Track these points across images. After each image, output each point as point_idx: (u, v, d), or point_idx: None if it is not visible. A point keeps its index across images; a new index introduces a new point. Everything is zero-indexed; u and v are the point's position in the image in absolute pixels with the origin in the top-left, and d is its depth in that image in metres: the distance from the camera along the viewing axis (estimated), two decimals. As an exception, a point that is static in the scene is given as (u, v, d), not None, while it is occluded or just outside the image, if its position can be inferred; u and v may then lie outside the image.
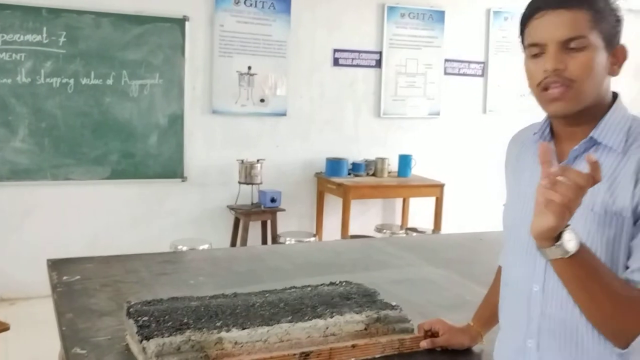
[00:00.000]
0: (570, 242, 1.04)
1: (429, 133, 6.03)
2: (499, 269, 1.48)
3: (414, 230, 5.29)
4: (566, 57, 1.15)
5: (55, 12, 4.60)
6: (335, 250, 2.77)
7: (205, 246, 4.35)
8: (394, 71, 5.82)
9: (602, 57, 1.16)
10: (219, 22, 5.11)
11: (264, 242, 5.24)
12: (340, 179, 5.34)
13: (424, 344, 1.61)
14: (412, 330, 1.65)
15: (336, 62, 5.60)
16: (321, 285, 1.84)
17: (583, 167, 1.17)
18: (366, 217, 5.74)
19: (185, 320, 1.51)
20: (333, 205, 5.58)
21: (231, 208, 5.17)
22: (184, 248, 4.23)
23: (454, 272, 2.38)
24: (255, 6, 5.21)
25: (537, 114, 1.27)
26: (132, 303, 1.63)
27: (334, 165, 5.46)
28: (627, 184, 1.12)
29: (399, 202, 6.00)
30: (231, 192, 5.20)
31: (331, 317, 1.58)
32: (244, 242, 4.96)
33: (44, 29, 4.59)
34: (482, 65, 6.22)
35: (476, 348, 1.64)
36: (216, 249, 4.05)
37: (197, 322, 1.50)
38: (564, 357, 1.19)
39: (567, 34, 1.15)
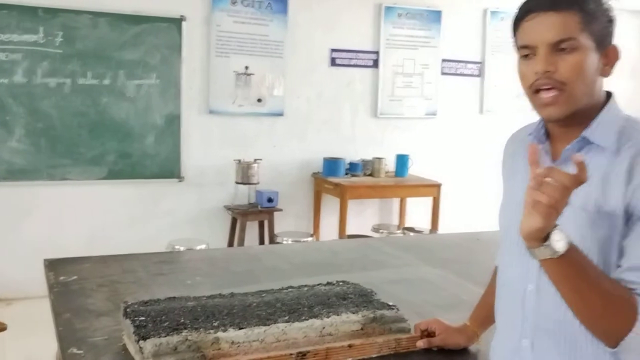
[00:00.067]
0: (558, 242, 1.04)
1: (426, 133, 6.04)
2: (496, 269, 1.48)
3: (411, 230, 5.30)
4: (557, 59, 1.16)
5: (52, 12, 4.59)
6: (332, 250, 2.77)
7: (202, 246, 4.35)
8: (391, 71, 5.82)
9: (593, 59, 1.17)
10: (216, 22, 5.11)
11: (261, 242, 5.24)
12: (337, 179, 5.35)
13: (421, 344, 1.61)
14: (408, 330, 1.65)
15: (333, 62, 5.61)
16: (318, 285, 1.84)
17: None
18: (363, 217, 5.75)
19: (182, 320, 1.51)
20: (330, 205, 5.58)
21: (228, 208, 5.17)
22: (181, 248, 4.23)
23: (451, 271, 2.38)
24: (252, 6, 5.21)
25: (534, 114, 1.27)
26: (129, 303, 1.63)
27: (331, 165, 5.46)
28: (619, 183, 1.13)
29: (396, 202, 6.01)
30: (228, 192, 5.20)
31: (328, 317, 1.58)
32: (241, 242, 4.96)
33: (41, 28, 4.58)
34: (479, 65, 6.23)
35: (472, 348, 1.65)
36: (213, 249, 4.05)
37: (194, 322, 1.50)
38: (559, 356, 1.20)
39: (557, 36, 1.15)
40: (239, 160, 5.09)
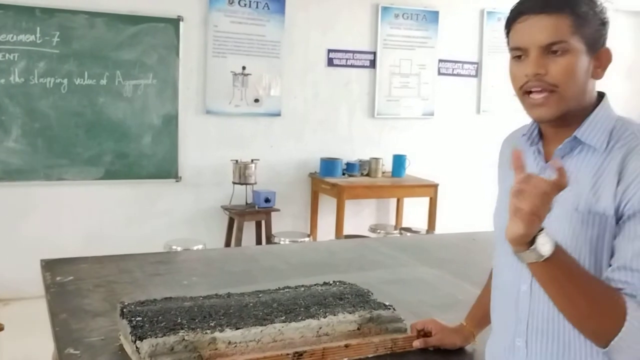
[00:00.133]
0: (544, 245, 1.05)
1: (422, 133, 6.05)
2: (492, 270, 1.49)
3: (408, 230, 5.30)
4: (548, 61, 1.17)
5: (48, 12, 4.59)
6: (329, 251, 2.78)
7: (199, 246, 4.35)
8: (388, 71, 5.83)
9: (584, 61, 1.18)
10: (213, 22, 5.11)
11: (258, 242, 5.24)
12: (334, 179, 5.35)
13: (417, 344, 1.62)
14: (405, 330, 1.66)
15: (330, 62, 5.61)
16: (315, 285, 1.85)
17: (567, 166, 1.19)
18: (360, 217, 5.75)
19: (179, 321, 1.51)
20: (327, 206, 5.58)
21: (225, 208, 5.17)
22: (178, 248, 4.23)
23: (447, 272, 2.38)
24: (249, 6, 5.21)
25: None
26: (126, 303, 1.63)
27: (328, 165, 5.46)
28: (609, 183, 1.14)
29: (393, 202, 6.01)
30: (225, 192, 5.20)
31: (324, 317, 1.58)
32: (238, 243, 4.96)
33: (38, 28, 4.57)
34: (475, 65, 6.24)
35: (468, 348, 1.65)
36: (210, 249, 4.05)
37: (191, 323, 1.50)
38: (552, 355, 1.21)
39: (548, 38, 1.16)
40: (236, 161, 5.09)
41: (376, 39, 5.75)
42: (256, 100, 5.31)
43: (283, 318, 1.56)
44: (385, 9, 5.75)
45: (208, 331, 1.47)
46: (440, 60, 6.06)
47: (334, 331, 1.57)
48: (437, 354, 1.62)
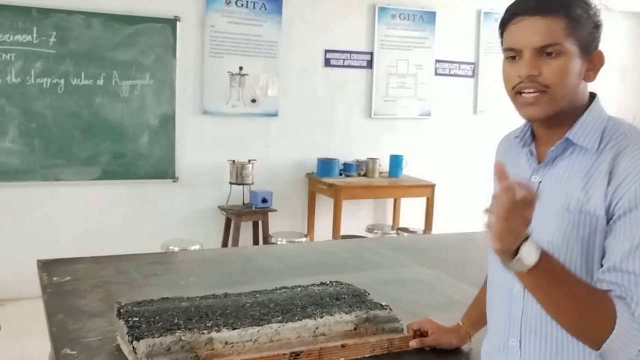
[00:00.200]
0: (528, 255, 1.05)
1: (419, 134, 6.05)
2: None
3: (405, 230, 5.31)
4: (541, 63, 1.17)
5: (45, 12, 4.58)
6: (326, 251, 2.78)
7: (196, 247, 4.35)
8: (385, 72, 5.83)
9: (576, 64, 1.18)
10: (210, 22, 5.11)
11: (255, 242, 5.24)
12: (331, 180, 5.35)
13: (413, 344, 1.63)
14: (401, 330, 1.66)
15: (327, 62, 5.61)
16: (311, 285, 1.85)
17: (560, 166, 1.20)
18: (357, 217, 5.75)
19: (176, 321, 1.51)
20: (324, 206, 5.59)
21: (222, 208, 5.17)
22: (175, 249, 4.23)
23: (444, 272, 2.39)
24: (246, 7, 5.21)
25: (526, 115, 1.28)
26: (123, 304, 1.63)
27: (325, 165, 5.47)
28: (600, 183, 1.15)
29: (390, 202, 6.02)
30: (222, 192, 5.20)
31: (321, 317, 1.59)
32: (235, 243, 4.96)
33: (34, 29, 4.57)
34: (472, 66, 6.25)
35: (465, 347, 1.66)
36: (207, 250, 4.05)
37: (188, 323, 1.51)
38: (545, 355, 1.22)
39: (542, 40, 1.16)
40: (233, 161, 5.09)
41: (373, 40, 5.75)
42: (253, 101, 5.31)
43: (280, 318, 1.57)
44: (382, 9, 5.75)
45: (205, 331, 1.47)
46: (437, 61, 6.06)
47: (330, 331, 1.58)
48: (433, 354, 1.63)
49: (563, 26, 1.16)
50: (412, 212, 5.87)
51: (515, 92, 1.21)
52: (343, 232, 5.26)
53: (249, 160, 5.12)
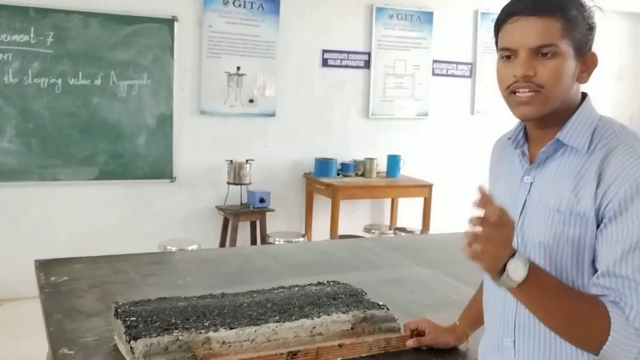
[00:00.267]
0: (515, 271, 1.07)
1: (417, 134, 6.06)
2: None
3: (403, 230, 5.31)
4: (536, 63, 1.18)
5: (42, 12, 4.58)
6: (323, 251, 2.78)
7: (194, 247, 4.35)
8: (382, 72, 5.84)
9: (571, 65, 1.19)
10: (207, 22, 5.11)
11: (253, 242, 5.24)
12: (329, 180, 5.36)
13: (410, 343, 1.63)
14: (398, 330, 1.66)
15: (325, 62, 5.62)
16: (309, 285, 1.85)
17: (552, 167, 1.21)
18: (355, 217, 5.76)
19: (173, 321, 1.51)
20: (322, 206, 5.59)
21: (220, 208, 5.17)
22: (173, 248, 4.22)
23: (441, 272, 2.39)
24: (244, 7, 5.21)
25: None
26: (120, 303, 1.63)
27: (323, 165, 5.47)
28: (590, 185, 1.15)
29: (387, 202, 6.03)
30: (220, 192, 5.20)
31: (318, 317, 1.59)
32: (233, 243, 4.96)
33: (32, 29, 4.56)
34: (469, 66, 6.26)
35: (462, 347, 1.66)
36: (205, 250, 4.05)
37: (185, 322, 1.51)
38: (539, 355, 1.23)
39: (538, 41, 1.17)
40: (231, 161, 5.09)
41: (371, 40, 5.76)
42: (251, 101, 5.31)
43: (277, 318, 1.57)
44: (379, 9, 5.76)
45: (202, 331, 1.47)
46: (435, 61, 6.07)
47: (327, 331, 1.58)
48: (430, 353, 1.63)
49: (559, 27, 1.17)
50: (409, 212, 5.87)
51: (510, 92, 1.21)
52: (341, 232, 5.26)
53: (247, 160, 5.12)
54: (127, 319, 1.52)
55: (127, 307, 1.60)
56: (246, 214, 5.10)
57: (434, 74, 6.08)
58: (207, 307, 1.62)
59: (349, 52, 5.69)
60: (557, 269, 1.18)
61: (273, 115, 5.42)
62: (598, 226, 1.14)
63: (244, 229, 5.19)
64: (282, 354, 1.50)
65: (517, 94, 1.20)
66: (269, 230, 5.07)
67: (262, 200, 5.07)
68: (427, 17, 5.96)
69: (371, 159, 5.62)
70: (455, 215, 5.98)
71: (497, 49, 1.26)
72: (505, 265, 1.06)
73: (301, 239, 4.79)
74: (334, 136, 5.73)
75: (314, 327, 1.56)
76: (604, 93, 6.47)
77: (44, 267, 2.20)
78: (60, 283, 2.06)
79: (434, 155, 6.08)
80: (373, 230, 5.31)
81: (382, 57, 5.82)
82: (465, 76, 6.25)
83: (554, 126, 1.22)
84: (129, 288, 2.04)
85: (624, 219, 1.10)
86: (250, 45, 5.25)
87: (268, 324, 1.53)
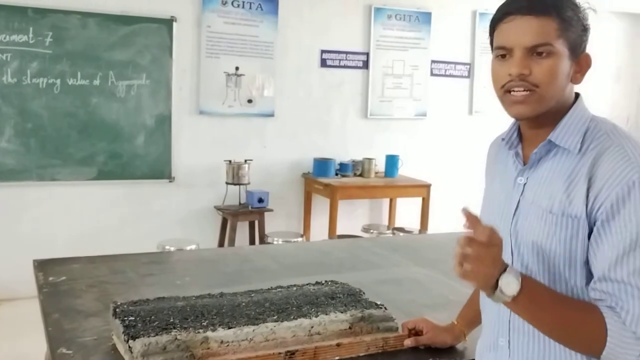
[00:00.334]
0: (508, 286, 1.08)
1: (415, 134, 6.07)
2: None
3: (401, 230, 5.32)
4: (532, 62, 1.18)
5: (41, 12, 4.58)
6: (322, 251, 2.78)
7: (193, 247, 4.35)
8: (380, 72, 5.84)
9: (566, 65, 1.19)
10: (206, 22, 5.11)
11: (252, 242, 5.24)
12: (327, 180, 5.36)
13: (408, 343, 1.63)
14: (396, 329, 1.67)
15: (323, 63, 5.62)
16: (307, 284, 1.86)
17: (544, 168, 1.21)
18: (353, 217, 5.76)
19: (172, 320, 1.52)
20: (320, 206, 5.59)
21: (218, 208, 5.18)
22: (171, 248, 4.23)
23: (439, 271, 2.40)
24: (243, 7, 5.21)
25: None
26: (119, 303, 1.64)
27: (322, 165, 5.48)
28: (581, 186, 1.15)
29: (385, 202, 6.03)
30: (219, 192, 5.20)
31: (316, 317, 1.60)
32: (231, 243, 4.96)
33: (30, 29, 4.56)
34: (468, 66, 6.27)
35: (459, 346, 1.67)
36: (203, 250, 4.05)
37: (183, 322, 1.51)
38: (533, 355, 1.24)
39: (534, 40, 1.17)
40: (230, 161, 5.09)
41: (369, 40, 5.76)
42: (249, 101, 5.31)
43: (275, 317, 1.57)
44: (378, 10, 5.76)
45: (200, 330, 1.47)
46: (433, 61, 6.08)
47: (325, 330, 1.58)
48: (428, 353, 1.63)
49: (555, 27, 1.17)
50: (407, 212, 5.88)
51: (505, 91, 1.22)
52: (339, 232, 5.27)
53: (245, 161, 5.12)
54: (126, 318, 1.52)
55: (125, 306, 1.61)
56: (245, 214, 5.10)
57: (432, 74, 6.09)
58: (206, 306, 1.62)
59: (347, 53, 5.69)
60: (550, 269, 1.19)
61: (272, 115, 5.43)
62: (590, 228, 1.14)
63: (242, 229, 5.19)
64: (280, 353, 1.50)
65: (512, 93, 1.20)
66: (267, 230, 5.08)
67: (260, 200, 5.07)
68: (425, 18, 5.96)
69: (369, 159, 5.62)
70: (453, 215, 6.00)
71: (492, 48, 1.26)
72: (497, 282, 1.08)
73: (300, 239, 4.79)
74: (332, 136, 5.73)
75: (312, 327, 1.57)
76: (602, 93, 6.48)
77: (43, 267, 2.21)
78: (59, 283, 2.06)
79: (432, 156, 6.08)
80: (371, 230, 5.32)
81: (381, 57, 5.82)
82: (464, 76, 6.26)
83: (548, 126, 1.23)
84: (127, 288, 2.05)
85: (617, 223, 1.11)
86: (248, 46, 5.26)
87: (266, 323, 1.54)
